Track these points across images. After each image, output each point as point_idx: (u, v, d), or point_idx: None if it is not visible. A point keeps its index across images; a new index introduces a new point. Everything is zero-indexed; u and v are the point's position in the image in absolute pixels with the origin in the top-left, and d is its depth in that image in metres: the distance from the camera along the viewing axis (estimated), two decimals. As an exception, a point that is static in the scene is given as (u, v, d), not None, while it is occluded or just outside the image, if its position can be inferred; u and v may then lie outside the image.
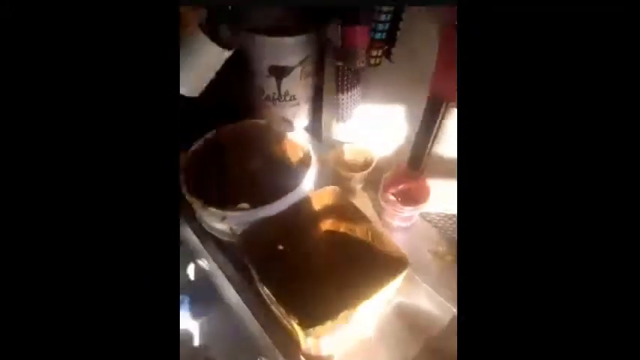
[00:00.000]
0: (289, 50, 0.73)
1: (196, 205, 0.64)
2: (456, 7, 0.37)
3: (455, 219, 0.70)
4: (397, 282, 0.52)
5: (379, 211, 0.72)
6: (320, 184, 0.68)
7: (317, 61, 0.78)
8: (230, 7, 0.69)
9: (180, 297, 1.09)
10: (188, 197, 0.65)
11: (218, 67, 0.56)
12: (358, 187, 0.76)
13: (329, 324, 0.48)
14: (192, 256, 1.00)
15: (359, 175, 0.72)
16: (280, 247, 0.62)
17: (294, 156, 0.75)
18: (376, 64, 0.58)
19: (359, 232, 0.63)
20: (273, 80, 0.77)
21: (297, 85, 0.79)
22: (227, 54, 0.54)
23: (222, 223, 0.63)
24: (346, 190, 0.74)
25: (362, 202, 0.74)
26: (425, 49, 0.51)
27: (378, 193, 0.68)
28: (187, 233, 0.79)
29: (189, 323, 1.07)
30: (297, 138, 0.72)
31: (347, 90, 0.64)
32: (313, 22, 0.72)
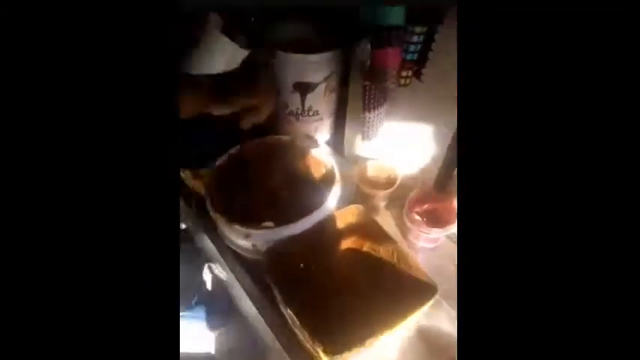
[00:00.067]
0: (314, 67, 0.72)
1: (220, 221, 0.64)
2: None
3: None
4: (424, 309, 0.51)
5: (403, 230, 0.70)
6: (343, 200, 0.67)
7: (342, 76, 0.77)
8: (252, 19, 0.70)
9: (197, 307, 1.09)
10: (212, 213, 0.65)
11: (235, 66, 0.55)
12: (381, 204, 0.75)
13: (354, 351, 0.47)
14: (210, 267, 1.00)
15: (382, 193, 0.71)
16: (302, 266, 0.61)
17: (317, 172, 0.74)
18: (405, 85, 0.57)
19: (383, 252, 0.61)
20: (297, 96, 0.77)
21: (321, 101, 0.79)
22: (245, 53, 0.53)
23: (245, 240, 0.63)
24: (369, 208, 0.73)
25: (385, 220, 0.73)
26: (455, 69, 0.50)
27: (403, 213, 0.67)
28: (206, 243, 0.79)
29: (206, 334, 1.07)
30: (321, 154, 0.72)
31: (374, 108, 0.63)
32: (339, 39, 0.72)
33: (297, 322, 0.51)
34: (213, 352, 1.05)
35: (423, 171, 0.69)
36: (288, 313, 0.53)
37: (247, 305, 0.68)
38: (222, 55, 0.52)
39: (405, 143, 0.70)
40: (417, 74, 0.56)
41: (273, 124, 0.86)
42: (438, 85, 0.56)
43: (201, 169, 0.75)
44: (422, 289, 0.52)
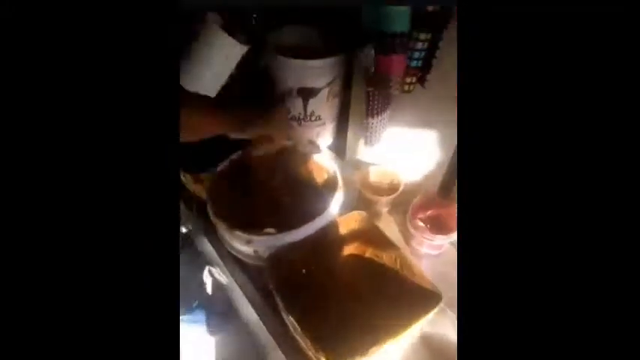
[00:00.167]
0: (317, 72, 0.72)
1: (221, 227, 0.63)
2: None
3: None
4: (428, 317, 0.51)
5: (406, 237, 0.70)
6: (345, 206, 0.66)
7: (344, 81, 0.77)
8: (254, 17, 0.69)
9: (197, 311, 1.09)
10: (213, 219, 0.64)
11: (235, 63, 0.55)
12: (384, 210, 0.75)
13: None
14: (210, 271, 1.00)
15: (385, 199, 0.71)
16: (304, 272, 0.61)
17: (320, 178, 0.74)
18: (409, 91, 0.56)
19: (386, 258, 0.61)
20: (299, 101, 0.77)
21: (324, 106, 0.78)
22: (244, 49, 0.54)
23: (246, 246, 0.62)
24: (371, 214, 0.72)
25: (388, 226, 0.73)
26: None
27: (407, 219, 0.66)
28: (207, 248, 0.79)
29: (206, 339, 1.07)
30: (323, 160, 0.72)
31: (377, 114, 0.63)
32: (342, 44, 0.72)
33: (299, 330, 0.50)
34: (213, 356, 1.05)
35: (427, 177, 0.69)
36: (290, 320, 0.52)
37: (248, 311, 0.67)
38: (221, 50, 0.52)
39: (408, 149, 0.69)
40: (421, 80, 0.56)
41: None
42: (442, 91, 0.56)
43: (203, 174, 0.75)
44: (426, 297, 0.51)
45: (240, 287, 0.66)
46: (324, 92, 0.76)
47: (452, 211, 0.64)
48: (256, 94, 0.83)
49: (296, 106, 0.78)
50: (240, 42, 0.52)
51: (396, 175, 0.73)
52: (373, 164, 0.77)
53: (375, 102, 0.61)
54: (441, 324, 0.62)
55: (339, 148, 0.87)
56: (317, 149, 0.72)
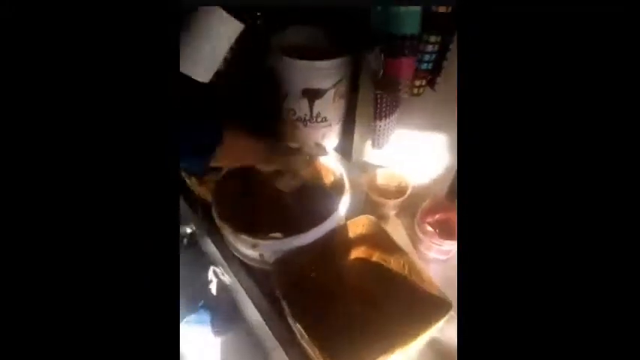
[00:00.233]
0: (323, 73, 0.71)
1: (226, 230, 0.63)
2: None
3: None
4: (438, 325, 0.50)
5: (414, 240, 0.69)
6: (351, 208, 0.66)
7: (351, 82, 0.76)
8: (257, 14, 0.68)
9: (202, 312, 1.08)
10: (218, 222, 0.64)
11: (230, 41, 0.54)
12: (391, 213, 0.74)
13: (366, 369, 0.46)
14: (215, 272, 0.99)
15: (392, 202, 0.70)
16: (313, 275, 0.60)
17: (326, 181, 0.73)
18: (418, 94, 0.55)
19: (394, 263, 0.60)
20: (305, 102, 0.76)
21: (330, 107, 0.77)
22: (240, 27, 0.53)
23: (252, 250, 0.62)
24: (379, 217, 0.72)
25: (396, 229, 0.72)
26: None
27: (415, 223, 0.66)
28: (211, 249, 0.78)
29: (211, 340, 1.06)
30: (330, 162, 0.70)
31: (385, 117, 0.61)
32: (349, 45, 0.71)
33: (307, 337, 0.50)
34: (218, 357, 1.05)
35: (435, 181, 0.68)
36: (297, 327, 0.52)
37: (254, 314, 0.67)
38: (221, 26, 0.51)
39: (416, 152, 0.68)
40: (431, 83, 0.54)
41: (280, 131, 0.85)
42: (451, 94, 0.54)
43: (207, 176, 0.74)
44: (436, 305, 0.50)
45: (246, 291, 0.65)
46: (331, 93, 0.75)
47: (461, 216, 0.63)
48: (262, 95, 0.82)
49: (302, 107, 0.77)
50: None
51: (403, 178, 0.72)
52: (380, 167, 0.76)
53: (383, 104, 0.60)
54: (451, 330, 0.61)
55: (346, 150, 0.85)
56: (323, 151, 0.71)
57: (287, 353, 0.57)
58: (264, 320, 0.61)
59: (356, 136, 0.81)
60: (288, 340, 0.57)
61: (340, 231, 0.61)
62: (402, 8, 0.46)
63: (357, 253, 0.65)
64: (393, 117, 0.63)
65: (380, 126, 0.63)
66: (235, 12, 0.51)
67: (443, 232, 0.63)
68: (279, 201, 0.70)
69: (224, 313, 1.07)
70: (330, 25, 0.76)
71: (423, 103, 0.59)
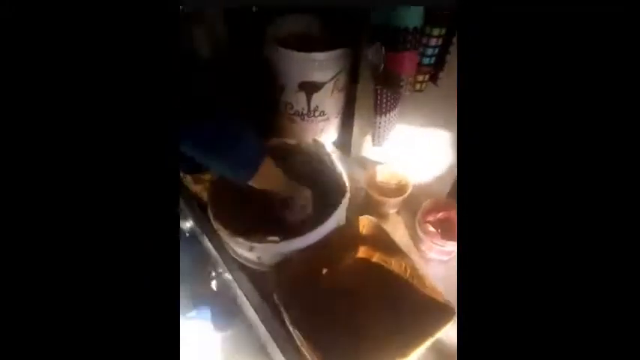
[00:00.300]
0: (321, 65, 0.68)
1: (223, 232, 0.61)
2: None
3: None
4: (441, 332, 0.48)
5: (415, 240, 0.67)
6: (351, 207, 0.63)
7: (350, 74, 0.73)
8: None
9: (203, 308, 1.08)
10: (214, 224, 0.62)
11: None
12: (391, 211, 0.72)
13: (367, 379, 0.45)
14: (215, 267, 0.98)
15: (393, 201, 0.68)
16: (311, 280, 0.58)
17: (325, 180, 0.70)
18: (421, 90, 0.52)
19: (395, 265, 0.58)
20: (302, 95, 0.73)
21: (328, 101, 0.74)
22: None
23: (249, 252, 0.60)
24: (378, 215, 0.70)
25: (396, 228, 0.70)
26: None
27: (416, 222, 0.63)
28: (208, 248, 0.77)
29: (212, 335, 1.06)
30: (329, 160, 0.68)
31: (385, 112, 0.59)
32: (348, 36, 0.67)
33: (306, 346, 0.48)
34: (219, 353, 1.05)
35: (437, 179, 0.66)
36: (296, 333, 0.50)
37: (254, 317, 0.66)
38: None
39: (418, 149, 0.66)
40: (434, 78, 0.51)
41: (276, 126, 0.82)
42: (455, 90, 0.51)
43: (204, 174, 0.72)
44: (439, 311, 0.49)
45: (245, 294, 0.63)
46: (329, 86, 0.72)
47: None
48: (258, 88, 0.79)
49: (299, 100, 0.74)
50: None
51: (404, 175, 0.70)
52: (380, 163, 0.74)
53: (384, 100, 0.57)
54: (453, 330, 0.59)
55: (344, 145, 0.83)
56: (322, 147, 0.68)
57: (287, 358, 0.56)
58: (264, 325, 0.60)
59: (355, 131, 0.78)
60: (286, 341, 0.56)
61: (340, 233, 0.59)
62: (404, -1, 0.43)
63: (357, 255, 0.63)
64: (394, 113, 0.60)
65: (380, 122, 0.61)
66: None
67: (445, 231, 0.61)
68: (275, 199, 0.68)
69: (225, 309, 1.07)
70: (329, 14, 0.72)
71: (425, 99, 0.56)
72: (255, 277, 0.65)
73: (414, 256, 0.65)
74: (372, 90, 0.57)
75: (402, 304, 0.52)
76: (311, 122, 0.78)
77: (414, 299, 0.52)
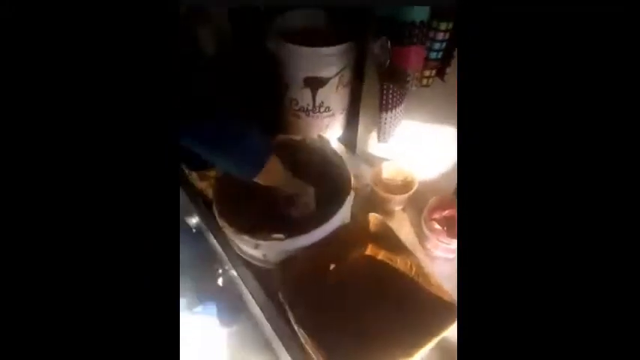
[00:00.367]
0: (326, 61, 0.67)
1: (228, 230, 0.61)
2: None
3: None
4: (447, 331, 0.48)
5: (421, 237, 0.66)
6: (356, 204, 0.63)
7: (356, 69, 0.72)
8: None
9: (209, 303, 1.09)
10: (220, 222, 0.62)
11: None
12: (397, 208, 0.71)
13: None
14: (220, 263, 0.99)
15: (399, 198, 0.67)
16: (317, 278, 0.58)
17: (330, 177, 0.70)
18: (427, 85, 0.51)
19: (400, 263, 0.58)
20: (307, 91, 0.72)
21: (333, 96, 0.74)
22: None
23: (255, 250, 0.60)
24: (384, 212, 0.69)
25: (402, 225, 0.69)
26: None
27: (422, 219, 0.63)
28: (214, 245, 0.77)
29: (218, 331, 1.07)
30: (334, 156, 0.67)
31: (391, 108, 0.58)
32: (353, 31, 0.66)
33: (311, 344, 0.48)
34: (225, 348, 1.05)
35: (444, 176, 0.65)
36: (301, 332, 0.50)
37: (259, 315, 0.66)
38: None
39: (424, 145, 0.65)
40: (441, 74, 0.50)
41: (281, 122, 0.81)
42: (463, 85, 0.51)
43: (209, 171, 0.72)
44: (445, 309, 0.48)
45: (250, 291, 0.63)
46: (334, 82, 0.71)
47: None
48: (263, 84, 0.78)
49: (304, 96, 0.73)
50: None
51: (410, 172, 0.69)
52: (386, 159, 0.73)
53: (390, 96, 0.56)
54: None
55: (350, 141, 0.82)
56: (327, 144, 0.67)
57: (291, 355, 0.56)
58: (269, 323, 0.60)
59: (360, 127, 0.77)
60: (292, 343, 0.56)
61: (345, 231, 0.59)
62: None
63: (362, 252, 0.63)
64: (400, 108, 0.59)
65: (386, 118, 0.60)
66: None
67: (451, 229, 0.60)
68: (281, 196, 0.68)
69: (230, 305, 1.07)
70: (334, 8, 0.71)
71: (432, 94, 0.55)
72: (260, 274, 0.65)
73: (420, 254, 0.64)
74: (378, 85, 0.56)
75: (407, 303, 0.52)
76: (316, 118, 0.77)
77: (420, 298, 0.51)
